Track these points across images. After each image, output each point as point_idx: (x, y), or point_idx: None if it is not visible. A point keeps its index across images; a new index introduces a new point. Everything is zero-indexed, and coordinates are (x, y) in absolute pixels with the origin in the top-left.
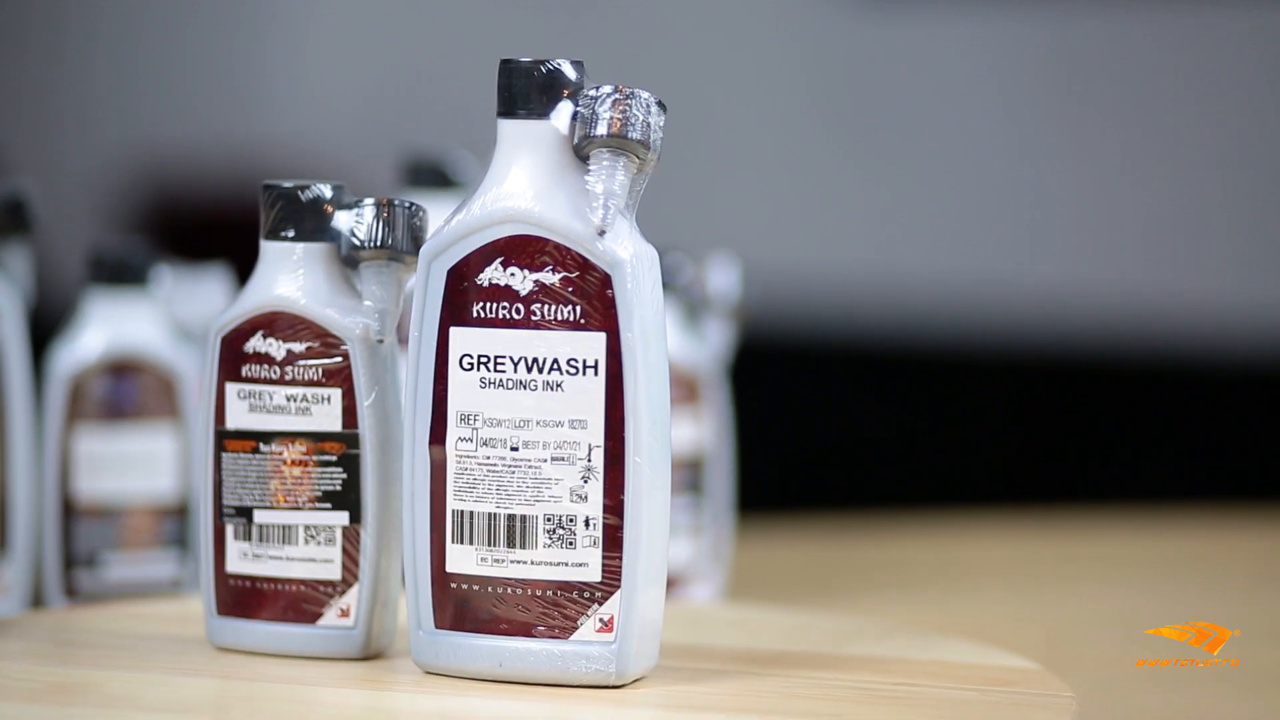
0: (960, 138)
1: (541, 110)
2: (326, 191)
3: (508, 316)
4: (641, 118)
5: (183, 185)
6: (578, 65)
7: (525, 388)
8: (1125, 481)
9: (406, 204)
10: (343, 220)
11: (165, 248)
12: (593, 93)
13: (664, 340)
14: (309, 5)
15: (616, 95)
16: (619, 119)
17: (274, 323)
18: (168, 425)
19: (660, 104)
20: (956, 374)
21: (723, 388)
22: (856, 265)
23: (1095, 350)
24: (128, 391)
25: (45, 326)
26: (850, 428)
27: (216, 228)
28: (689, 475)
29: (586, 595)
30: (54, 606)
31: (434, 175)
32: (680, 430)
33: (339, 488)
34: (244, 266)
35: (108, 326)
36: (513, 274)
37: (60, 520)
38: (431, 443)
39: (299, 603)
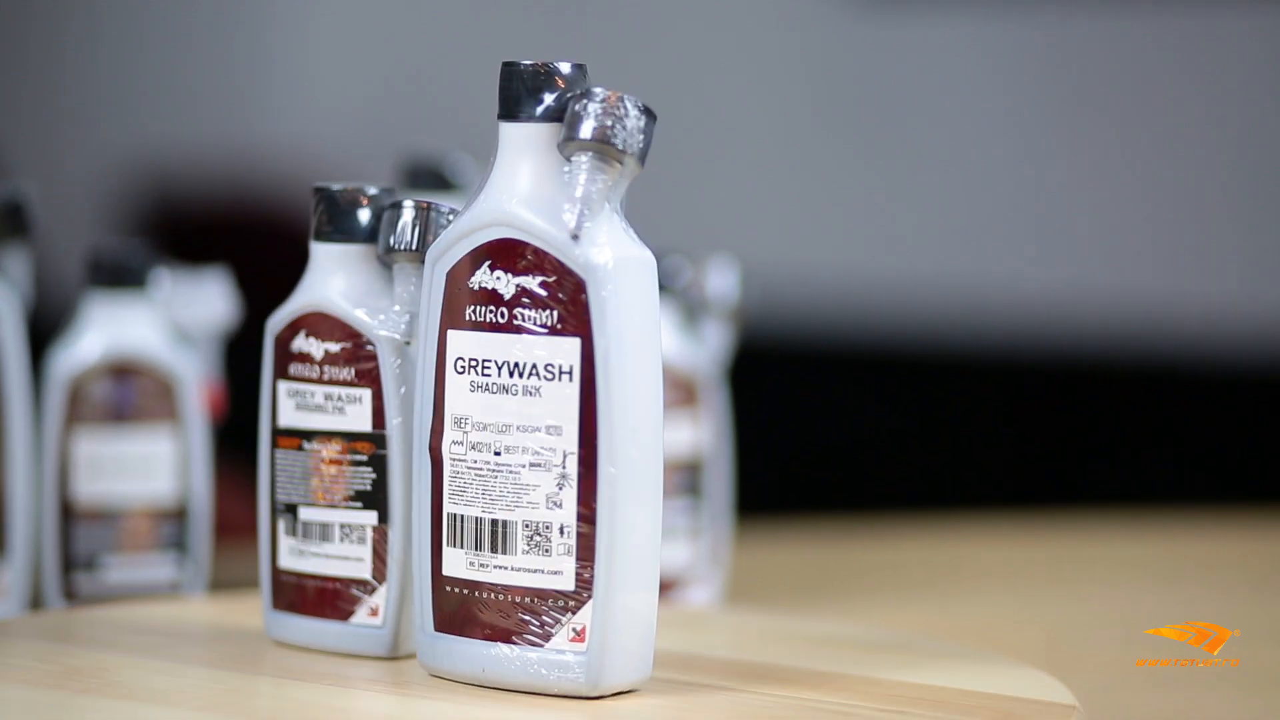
0: (960, 139)
1: (541, 113)
2: (368, 193)
3: (494, 320)
4: (626, 124)
5: (182, 187)
6: (579, 68)
7: (508, 392)
8: (1125, 483)
9: (444, 208)
10: (380, 222)
11: (164, 250)
12: (583, 95)
13: (653, 346)
14: (309, 6)
15: (605, 99)
16: (603, 124)
17: (314, 323)
18: (167, 428)
19: (649, 112)
20: (956, 376)
21: (721, 390)
22: (855, 268)
23: (1094, 351)
24: (127, 394)
25: (44, 329)
26: (849, 430)
27: (216, 230)
28: (687, 478)
29: (561, 604)
30: (53, 609)
31: (433, 177)
32: (678, 433)
33: (369, 487)
34: (243, 269)
35: (107, 329)
36: (498, 277)
37: (59, 523)
38: (431, 445)
39: (336, 600)
